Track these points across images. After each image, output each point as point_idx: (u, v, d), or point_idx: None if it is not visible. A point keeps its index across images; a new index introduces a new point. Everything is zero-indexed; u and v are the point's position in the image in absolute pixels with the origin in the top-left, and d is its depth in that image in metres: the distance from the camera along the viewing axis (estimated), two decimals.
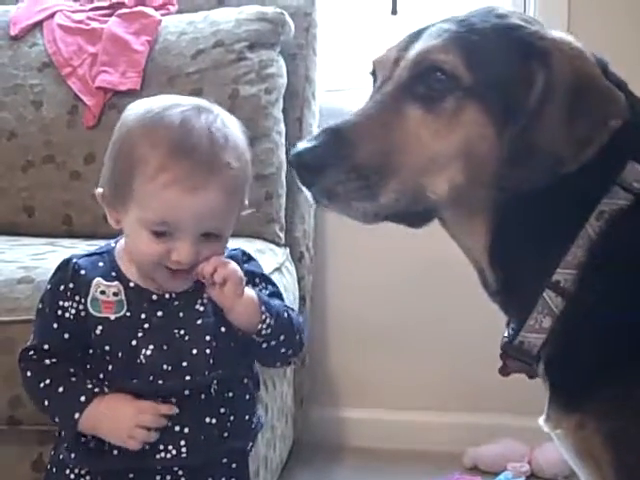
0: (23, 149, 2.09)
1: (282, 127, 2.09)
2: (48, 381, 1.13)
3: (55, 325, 1.15)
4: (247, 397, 1.19)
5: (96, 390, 1.13)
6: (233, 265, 1.13)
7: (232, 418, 1.16)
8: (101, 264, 1.17)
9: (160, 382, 1.12)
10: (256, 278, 1.22)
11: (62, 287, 1.15)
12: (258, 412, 1.23)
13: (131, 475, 1.14)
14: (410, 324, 2.34)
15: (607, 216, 0.96)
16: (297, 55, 2.20)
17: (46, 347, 1.15)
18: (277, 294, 1.23)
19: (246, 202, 1.20)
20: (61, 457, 1.17)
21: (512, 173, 0.95)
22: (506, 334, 1.06)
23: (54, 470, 1.19)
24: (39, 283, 1.44)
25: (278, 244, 2.02)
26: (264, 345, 1.16)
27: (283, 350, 1.19)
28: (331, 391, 2.38)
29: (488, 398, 2.28)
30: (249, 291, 1.16)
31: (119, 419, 1.10)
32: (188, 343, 1.13)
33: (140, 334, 1.13)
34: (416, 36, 1.03)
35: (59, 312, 1.15)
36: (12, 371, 1.36)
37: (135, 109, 1.16)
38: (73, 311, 1.14)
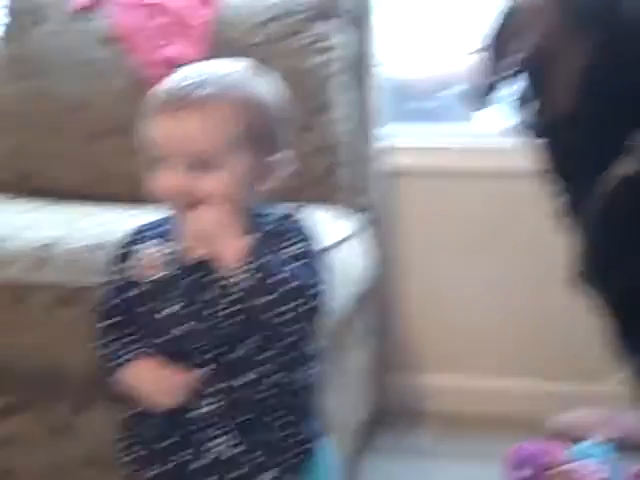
0: (91, 121, 2.13)
1: (346, 98, 2.10)
2: (107, 337, 1.20)
3: (112, 287, 1.21)
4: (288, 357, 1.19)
5: (142, 350, 1.18)
6: None
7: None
8: (156, 230, 1.23)
9: (194, 344, 1.15)
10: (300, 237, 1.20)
11: (119, 252, 1.22)
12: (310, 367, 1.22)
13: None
14: (490, 288, 2.34)
15: None
16: (359, 26, 2.20)
17: (107, 306, 1.21)
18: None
19: (281, 154, 1.20)
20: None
21: None
22: None
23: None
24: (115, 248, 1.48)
25: (345, 213, 2.03)
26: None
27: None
28: (411, 356, 2.40)
29: (572, 366, 2.28)
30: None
31: (159, 379, 1.15)
32: (220, 307, 1.14)
33: (176, 293, 1.16)
34: None
35: (115, 276, 1.21)
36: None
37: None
38: (124, 274, 1.19)
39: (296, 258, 1.15)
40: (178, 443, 1.16)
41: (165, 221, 1.23)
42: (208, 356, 1.15)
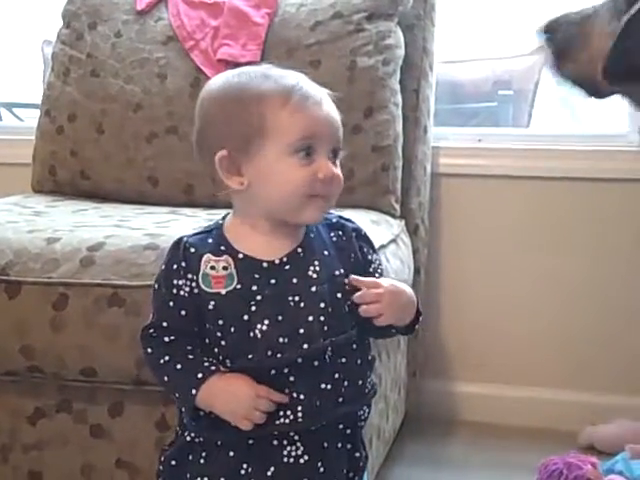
0: (148, 120, 2.16)
1: (399, 99, 2.10)
2: (167, 358, 1.16)
3: (171, 303, 1.18)
4: (359, 362, 1.22)
5: (213, 368, 1.15)
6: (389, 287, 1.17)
7: (345, 383, 1.19)
8: (210, 240, 1.20)
9: (278, 355, 1.14)
10: (369, 249, 1.24)
11: (175, 266, 1.19)
12: (371, 377, 1.26)
13: (250, 441, 1.18)
14: (527, 299, 2.31)
15: None
16: (415, 26, 2.19)
17: (164, 324, 1.18)
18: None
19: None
20: (184, 421, 1.23)
21: None
22: None
23: (179, 432, 1.25)
24: (163, 250, 1.49)
25: (394, 216, 2.03)
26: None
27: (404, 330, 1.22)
28: (445, 364, 2.39)
29: (605, 377, 2.24)
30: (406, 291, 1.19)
31: (236, 399, 1.13)
32: (303, 310, 1.15)
33: (253, 307, 1.15)
34: None
35: (174, 290, 1.18)
36: (138, 332, 1.43)
37: (216, 81, 1.24)
38: (187, 289, 1.17)
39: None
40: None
41: (211, 232, 1.23)
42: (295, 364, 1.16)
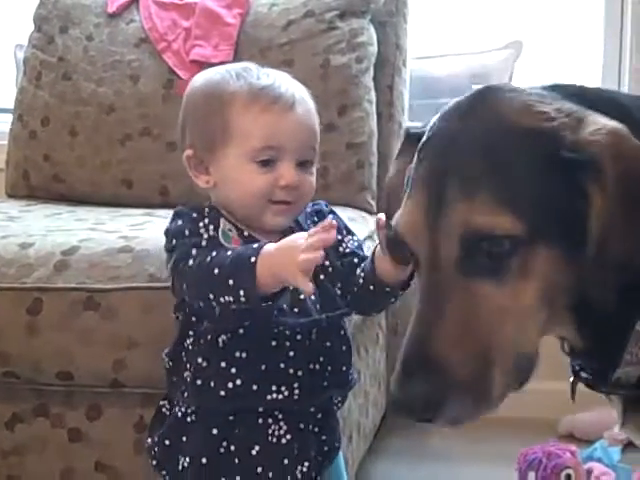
0: (121, 123, 2.15)
1: (373, 95, 2.10)
2: (214, 253, 1.13)
3: (203, 242, 1.17)
4: (343, 348, 1.23)
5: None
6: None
7: (329, 368, 1.20)
8: (214, 213, 1.22)
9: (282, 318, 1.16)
10: (343, 230, 1.26)
11: (195, 214, 1.20)
12: (352, 368, 1.26)
13: (231, 417, 1.18)
14: None
15: None
16: (387, 23, 2.19)
17: (193, 252, 1.15)
18: (361, 246, 1.30)
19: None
20: (175, 400, 1.23)
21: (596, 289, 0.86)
22: (585, 376, 1.05)
23: (166, 408, 1.25)
24: (138, 252, 1.49)
25: (370, 212, 2.03)
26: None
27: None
28: None
29: None
30: None
31: (290, 253, 1.07)
32: (295, 291, 1.17)
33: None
34: (438, 185, 0.86)
35: (201, 231, 1.19)
36: (114, 335, 1.43)
37: (199, 77, 1.28)
38: (211, 233, 1.18)
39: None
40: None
41: (209, 210, 1.23)
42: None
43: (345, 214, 1.87)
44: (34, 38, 2.32)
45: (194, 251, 1.15)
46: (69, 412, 1.51)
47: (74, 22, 2.27)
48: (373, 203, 2.06)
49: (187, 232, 1.19)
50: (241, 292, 1.09)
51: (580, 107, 0.87)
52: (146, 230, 1.65)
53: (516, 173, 0.84)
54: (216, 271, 1.11)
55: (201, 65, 2.16)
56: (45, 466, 1.53)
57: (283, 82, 1.22)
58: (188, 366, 1.20)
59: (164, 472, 1.23)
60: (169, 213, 1.90)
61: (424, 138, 0.91)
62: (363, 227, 1.89)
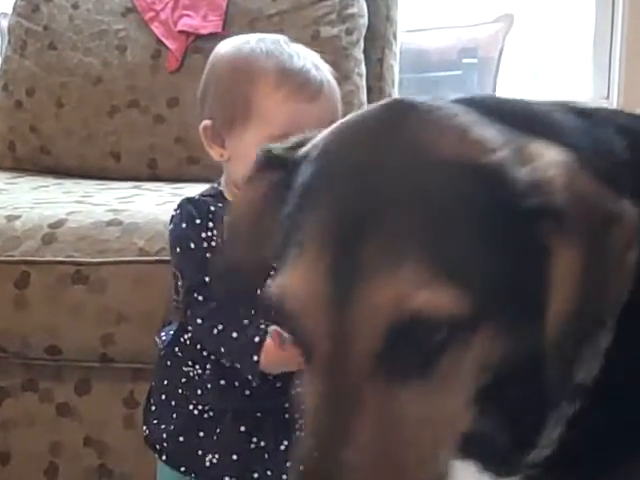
0: (109, 94, 2.12)
1: (363, 68, 2.08)
2: (221, 327, 1.13)
3: (208, 254, 1.15)
4: None
5: (263, 326, 1.12)
6: None
7: None
8: (220, 205, 1.19)
9: None
10: None
11: (198, 221, 1.17)
12: None
13: (259, 414, 1.17)
14: None
15: None
16: None
17: (206, 279, 1.13)
18: None
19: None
20: (187, 394, 1.20)
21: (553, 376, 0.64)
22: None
23: (172, 403, 1.22)
24: (127, 225, 1.48)
25: None
26: None
27: None
28: None
29: None
30: None
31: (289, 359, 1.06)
32: None
33: None
34: (348, 244, 0.61)
35: (205, 244, 1.16)
36: (103, 309, 1.42)
37: (228, 44, 1.24)
38: (218, 239, 1.15)
39: None
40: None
41: (215, 197, 1.21)
42: None
43: None
44: (18, 6, 2.28)
45: (200, 295, 1.14)
46: (58, 387, 1.50)
47: None
48: None
49: (192, 245, 1.16)
50: (246, 374, 1.13)
51: (514, 132, 0.66)
52: (135, 203, 1.63)
53: (455, 228, 0.61)
54: (222, 350, 1.14)
55: (189, 36, 2.14)
56: (33, 441, 1.52)
57: (313, 65, 1.19)
58: (199, 364, 1.19)
59: (182, 468, 1.20)
60: (158, 186, 1.91)
61: (310, 170, 0.65)
62: None
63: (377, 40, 2.15)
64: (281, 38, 1.23)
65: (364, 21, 2.10)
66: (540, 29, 2.42)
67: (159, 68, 2.11)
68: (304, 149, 0.69)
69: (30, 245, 1.47)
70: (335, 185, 0.63)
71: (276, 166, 0.71)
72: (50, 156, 2.16)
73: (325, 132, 0.68)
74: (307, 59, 1.20)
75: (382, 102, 0.70)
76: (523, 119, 0.70)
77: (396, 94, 2.19)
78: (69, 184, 1.96)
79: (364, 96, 2.07)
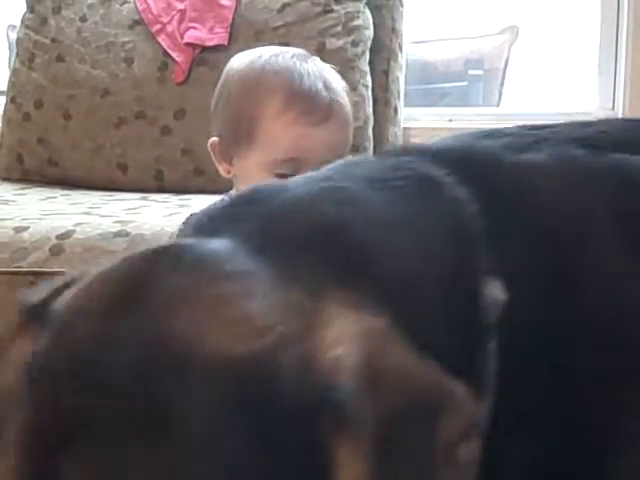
0: (116, 106, 2.14)
1: (369, 80, 2.09)
2: None
3: None
4: None
5: None
6: None
7: None
8: None
9: None
10: None
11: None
12: None
13: None
14: None
15: None
16: (383, 6, 2.17)
17: None
18: None
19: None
20: None
21: None
22: None
23: None
24: (134, 237, 1.49)
25: None
26: None
27: None
28: None
29: None
30: None
31: None
32: None
33: None
34: (60, 443, 0.47)
35: None
36: None
37: (242, 59, 1.22)
38: None
39: None
40: None
41: None
42: None
43: None
44: (27, 19, 2.30)
45: None
46: None
47: (67, 2, 2.25)
48: None
49: None
50: None
51: (316, 290, 0.49)
52: (142, 214, 1.64)
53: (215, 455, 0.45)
54: None
55: (196, 48, 2.15)
56: None
57: (324, 86, 1.16)
58: None
59: None
60: (165, 197, 1.92)
61: (42, 343, 0.51)
62: None
63: (383, 52, 2.16)
64: (297, 53, 1.21)
65: (369, 33, 2.11)
66: (545, 40, 2.43)
67: (166, 80, 2.13)
68: (57, 304, 0.53)
69: (38, 256, 1.48)
70: (54, 379, 0.49)
71: (40, 319, 0.53)
72: (58, 168, 2.18)
73: (76, 287, 0.53)
74: (319, 79, 1.16)
75: (136, 258, 0.53)
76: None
77: (402, 106, 2.20)
78: (76, 195, 1.97)
79: (369, 107, 2.08)
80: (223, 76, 1.23)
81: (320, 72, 1.18)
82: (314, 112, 1.12)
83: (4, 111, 2.27)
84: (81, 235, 1.51)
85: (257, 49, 1.25)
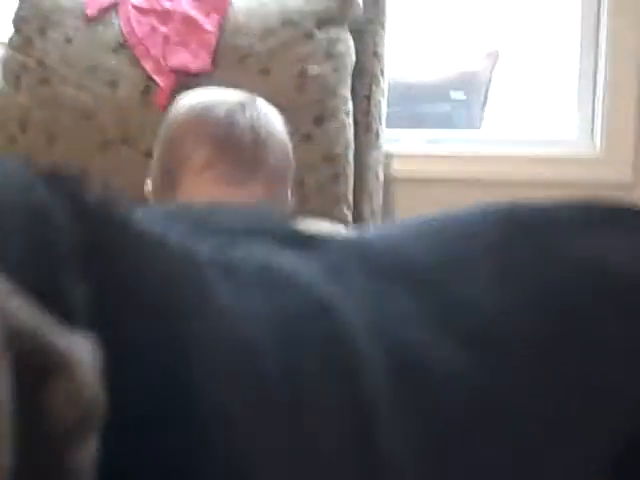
0: (100, 130, 2.15)
1: (350, 106, 2.11)
2: None
3: None
4: None
5: None
6: None
7: None
8: None
9: None
10: None
11: None
12: None
13: None
14: None
15: None
16: (365, 31, 2.20)
17: None
18: None
19: (289, 191, 1.22)
20: None
21: None
22: None
23: None
24: None
25: (346, 224, 2.05)
26: None
27: None
28: None
29: None
30: None
31: None
32: None
33: None
34: None
35: None
36: None
37: (182, 103, 1.21)
38: None
39: None
40: None
41: None
42: None
43: (319, 227, 1.90)
44: (13, 41, 2.31)
45: None
46: None
47: (53, 24, 2.26)
48: (349, 214, 2.07)
49: None
50: None
51: None
52: None
53: None
54: None
55: (179, 73, 2.17)
56: None
57: (253, 140, 1.12)
58: None
59: None
60: None
61: None
62: None
63: (364, 77, 2.18)
64: (238, 101, 1.16)
65: (351, 59, 2.13)
66: (525, 65, 2.45)
67: (149, 104, 2.15)
68: None
69: None
70: None
71: None
72: None
73: None
74: (250, 132, 1.12)
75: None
76: None
77: (383, 130, 2.22)
78: None
79: (350, 133, 2.09)
80: (165, 121, 1.21)
81: (255, 123, 1.13)
82: (235, 171, 1.10)
83: None
84: None
85: (205, 92, 1.24)
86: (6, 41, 2.34)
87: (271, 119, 1.18)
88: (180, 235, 0.59)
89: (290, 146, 1.20)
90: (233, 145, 1.12)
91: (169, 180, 1.14)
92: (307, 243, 0.61)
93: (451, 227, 0.70)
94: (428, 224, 0.71)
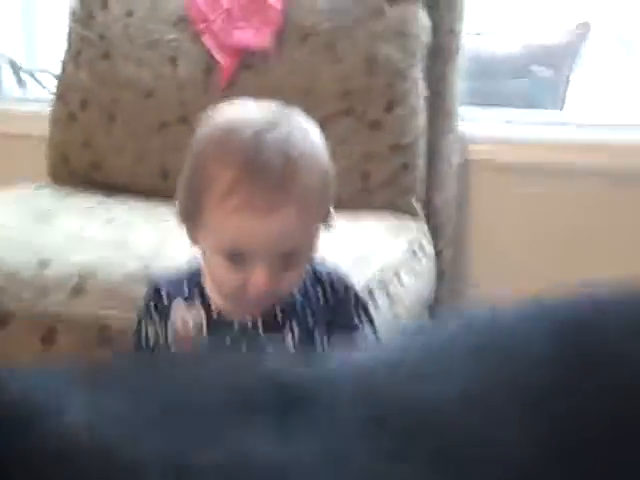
0: (159, 109, 2.07)
1: (422, 90, 1.95)
2: None
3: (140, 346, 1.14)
4: None
5: None
6: None
7: None
8: (185, 288, 1.12)
9: None
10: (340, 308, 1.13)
11: (146, 302, 1.14)
12: None
13: None
14: None
15: None
16: (440, 6, 2.03)
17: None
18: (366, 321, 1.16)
19: (331, 210, 1.12)
20: None
21: None
22: None
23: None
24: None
25: (414, 217, 1.91)
26: None
27: None
28: None
29: None
30: None
31: None
32: None
33: None
34: None
35: (141, 334, 1.13)
36: None
37: (210, 121, 1.11)
38: (150, 342, 1.13)
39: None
40: None
41: (186, 277, 1.16)
42: None
43: (383, 224, 1.79)
44: (75, 12, 2.23)
45: None
46: None
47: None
48: (418, 207, 1.92)
49: (136, 326, 1.14)
50: None
51: None
52: (169, 248, 1.58)
53: None
54: None
55: (241, 51, 2.05)
56: None
57: (283, 166, 1.01)
58: None
59: None
60: None
61: None
62: (402, 240, 1.79)
63: (439, 56, 2.01)
64: (270, 118, 1.05)
65: (425, 37, 1.97)
66: (618, 38, 2.25)
67: (210, 84, 2.05)
68: None
69: (57, 298, 1.45)
70: None
71: None
72: (101, 173, 2.13)
73: None
74: (279, 154, 1.01)
75: None
76: None
77: (457, 113, 2.06)
78: (117, 207, 1.93)
79: (422, 119, 1.94)
80: (192, 140, 1.11)
81: (285, 145, 1.03)
82: (262, 198, 1.00)
83: (52, 108, 2.22)
84: (102, 277, 1.47)
85: (235, 107, 1.13)
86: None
87: (306, 136, 1.06)
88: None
89: (329, 164, 1.09)
90: (259, 169, 1.01)
91: (193, 204, 1.06)
92: (295, 405, 0.49)
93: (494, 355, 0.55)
94: (464, 339, 0.56)
